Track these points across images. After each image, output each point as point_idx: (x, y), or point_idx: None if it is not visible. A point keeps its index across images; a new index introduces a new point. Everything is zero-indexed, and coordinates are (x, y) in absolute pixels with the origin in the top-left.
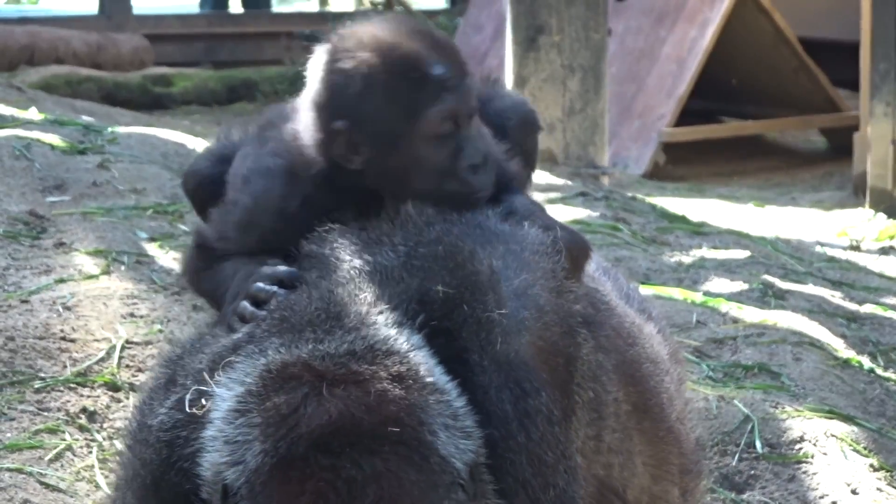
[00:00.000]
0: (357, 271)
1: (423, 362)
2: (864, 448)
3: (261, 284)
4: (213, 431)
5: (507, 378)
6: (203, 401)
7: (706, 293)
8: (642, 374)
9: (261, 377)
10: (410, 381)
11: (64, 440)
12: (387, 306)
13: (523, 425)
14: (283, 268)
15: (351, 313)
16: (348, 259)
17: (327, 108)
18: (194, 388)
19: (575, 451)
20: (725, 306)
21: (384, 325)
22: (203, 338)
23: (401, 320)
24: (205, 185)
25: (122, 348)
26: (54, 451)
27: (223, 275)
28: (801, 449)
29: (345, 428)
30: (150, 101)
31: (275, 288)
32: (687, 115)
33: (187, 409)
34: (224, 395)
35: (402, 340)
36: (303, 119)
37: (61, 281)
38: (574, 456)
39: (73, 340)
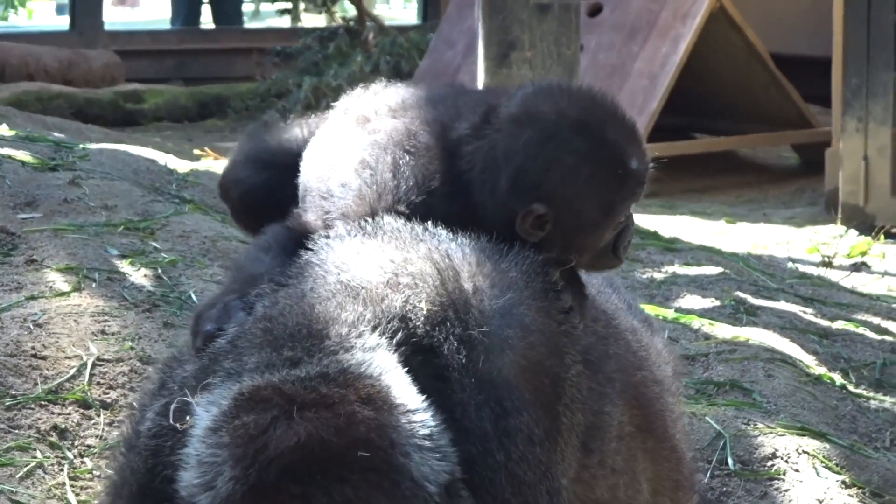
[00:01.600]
0: (342, 286)
1: (398, 383)
2: (837, 465)
3: (211, 328)
4: (190, 449)
5: (489, 396)
6: (187, 415)
7: (678, 310)
8: (648, 398)
9: (234, 399)
10: (381, 403)
11: (35, 458)
12: (368, 325)
13: (502, 444)
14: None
15: (331, 333)
16: (336, 273)
17: (527, 189)
18: (179, 397)
19: (560, 473)
20: (697, 323)
21: (361, 347)
22: None
23: (380, 340)
24: (250, 195)
25: (93, 365)
26: (25, 469)
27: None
28: (773, 466)
29: (314, 452)
30: (122, 118)
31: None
32: (659, 131)
33: (171, 421)
34: (202, 415)
35: (377, 362)
36: (478, 175)
37: (32, 298)
38: (558, 477)
39: (43, 358)
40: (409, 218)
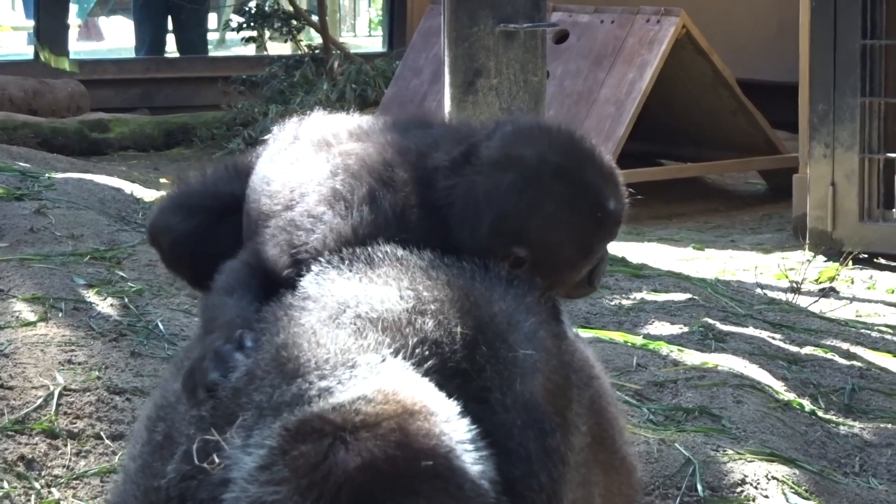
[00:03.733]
0: (358, 316)
1: (431, 395)
2: (806, 490)
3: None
4: (237, 493)
5: (530, 418)
6: (214, 456)
7: (646, 336)
8: (601, 406)
9: (280, 435)
10: (425, 412)
11: (2, 488)
12: (390, 349)
13: (545, 465)
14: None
15: (357, 360)
16: (344, 303)
17: (509, 233)
18: (200, 437)
19: (564, 494)
20: (666, 349)
21: (389, 368)
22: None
23: (406, 363)
24: (181, 243)
25: (60, 395)
26: None
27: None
28: (742, 492)
29: (382, 469)
30: (87, 147)
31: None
32: (625, 158)
33: (196, 462)
34: (241, 457)
35: (407, 378)
36: (457, 213)
37: None
38: (566, 494)
39: (10, 388)
40: None
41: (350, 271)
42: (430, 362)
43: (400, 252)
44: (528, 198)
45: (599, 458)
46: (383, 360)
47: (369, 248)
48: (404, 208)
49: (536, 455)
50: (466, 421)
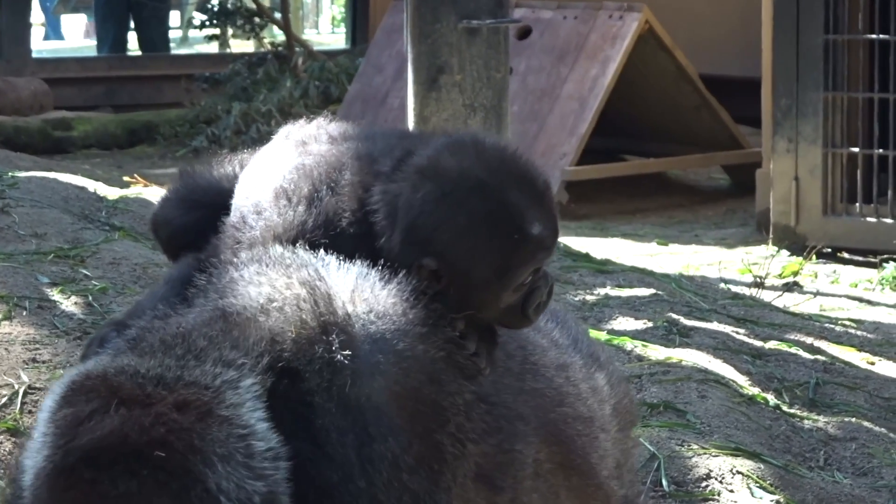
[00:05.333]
0: (218, 310)
1: (234, 398)
2: (771, 484)
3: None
4: (35, 433)
5: (354, 422)
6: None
7: (611, 332)
8: (569, 435)
9: (67, 385)
10: (195, 410)
11: None
12: (229, 344)
13: (365, 470)
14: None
15: (190, 347)
16: (215, 298)
17: (418, 243)
18: None
19: (446, 502)
20: (630, 345)
21: (215, 361)
22: None
23: (244, 359)
24: (179, 235)
25: (25, 394)
26: None
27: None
28: (707, 486)
29: (112, 445)
30: (51, 146)
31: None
32: (589, 154)
33: None
34: (47, 402)
35: (224, 376)
36: (381, 220)
37: None
38: None
39: None
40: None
41: (244, 268)
42: (264, 360)
43: (286, 252)
44: (442, 209)
45: (573, 483)
46: (218, 350)
47: (269, 248)
48: (338, 211)
49: (355, 460)
50: (262, 434)
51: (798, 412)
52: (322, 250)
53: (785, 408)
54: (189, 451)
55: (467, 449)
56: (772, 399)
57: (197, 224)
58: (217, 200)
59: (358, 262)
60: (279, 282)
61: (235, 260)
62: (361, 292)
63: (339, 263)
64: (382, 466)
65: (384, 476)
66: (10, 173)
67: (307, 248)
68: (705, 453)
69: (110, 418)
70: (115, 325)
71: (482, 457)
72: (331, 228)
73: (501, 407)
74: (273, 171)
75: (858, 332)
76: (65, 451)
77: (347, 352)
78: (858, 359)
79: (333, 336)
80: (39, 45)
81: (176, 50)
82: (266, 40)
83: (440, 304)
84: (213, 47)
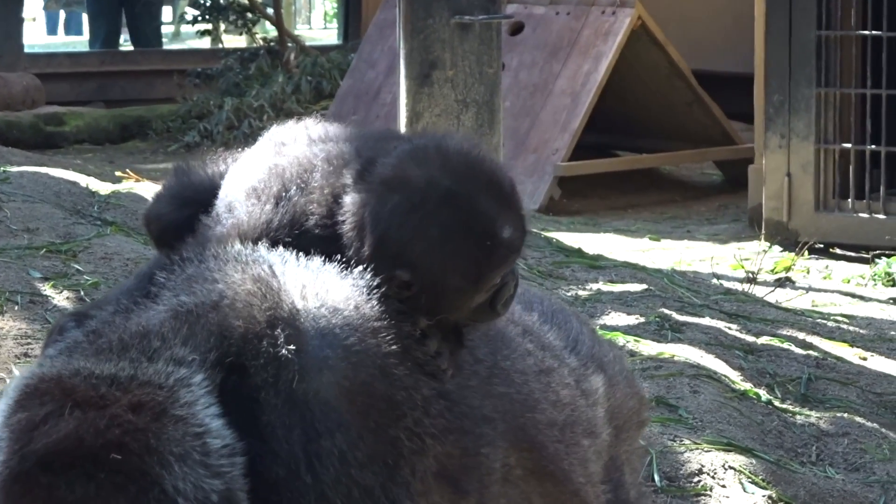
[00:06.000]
0: (171, 306)
1: (187, 396)
2: (763, 480)
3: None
4: None
5: (301, 417)
6: None
7: (603, 327)
8: (540, 441)
9: (21, 389)
10: (149, 410)
11: None
12: (180, 340)
13: (312, 466)
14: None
15: (143, 345)
16: (170, 295)
17: (390, 256)
18: None
19: (405, 498)
20: (622, 340)
21: (167, 359)
22: None
23: (193, 356)
24: (170, 231)
25: None
26: None
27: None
28: (699, 482)
29: (68, 449)
30: (43, 141)
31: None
32: (582, 149)
33: None
34: (1, 407)
35: (176, 374)
36: (348, 231)
37: None
38: (400, 502)
39: None
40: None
41: (202, 265)
42: (212, 356)
43: (245, 249)
44: (412, 222)
45: (546, 489)
46: (170, 349)
47: (230, 245)
48: (305, 212)
49: (302, 456)
50: (215, 432)
51: (790, 407)
52: (285, 249)
53: (777, 403)
54: (145, 452)
55: (426, 444)
56: (764, 394)
57: (188, 221)
58: (208, 198)
59: (318, 259)
60: (232, 278)
61: (193, 257)
62: (314, 288)
63: (299, 261)
64: (330, 462)
65: (331, 472)
66: (1, 168)
67: (271, 246)
68: (697, 448)
69: (65, 421)
70: (76, 315)
71: (446, 457)
72: (296, 227)
73: (464, 406)
74: (249, 171)
75: (850, 328)
76: (20, 456)
77: (293, 346)
78: (850, 354)
79: (279, 331)
80: (31, 41)
81: (168, 45)
82: (258, 35)
83: (410, 307)
84: (205, 43)
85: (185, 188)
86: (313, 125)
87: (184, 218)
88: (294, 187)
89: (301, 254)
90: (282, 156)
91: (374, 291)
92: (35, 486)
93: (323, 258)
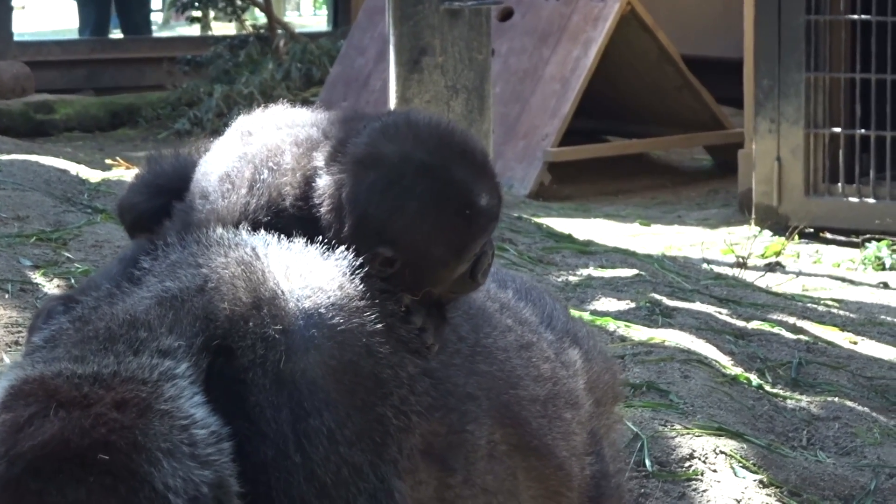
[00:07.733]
0: (157, 292)
1: (172, 388)
2: (754, 464)
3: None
4: None
5: (289, 397)
6: None
7: (593, 312)
8: (524, 417)
9: (6, 391)
10: (134, 407)
11: None
12: (167, 328)
13: (301, 445)
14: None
15: (130, 335)
16: (155, 281)
17: (371, 234)
18: None
19: (393, 475)
20: (613, 325)
21: (152, 350)
22: None
23: (179, 342)
24: (143, 220)
25: None
26: None
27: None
28: (690, 466)
29: (55, 452)
30: (33, 129)
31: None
32: (571, 135)
33: None
34: None
35: (160, 366)
36: (325, 213)
37: None
38: (390, 479)
39: None
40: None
41: (185, 250)
42: (198, 340)
43: (225, 233)
44: (391, 198)
45: (530, 463)
46: (156, 339)
47: (211, 230)
48: (281, 193)
49: (290, 435)
50: (202, 422)
51: (781, 392)
52: (265, 230)
53: (768, 388)
54: (132, 449)
55: (412, 421)
56: (755, 379)
57: (161, 209)
58: (181, 187)
59: (299, 239)
60: (216, 262)
61: (177, 242)
62: (298, 268)
63: (280, 242)
64: (319, 441)
65: (321, 450)
66: None
67: (250, 229)
68: (688, 433)
69: (50, 422)
70: (63, 299)
71: (432, 435)
72: (273, 208)
73: (449, 383)
74: (220, 159)
75: (841, 312)
76: (8, 461)
77: (279, 327)
78: (841, 338)
79: (265, 312)
80: (21, 28)
81: (158, 33)
82: (248, 23)
83: (393, 283)
84: (194, 30)
85: (156, 177)
86: (280, 112)
87: (157, 207)
88: (266, 171)
89: (281, 233)
90: (250, 144)
91: (357, 270)
92: (26, 492)
93: (304, 239)
